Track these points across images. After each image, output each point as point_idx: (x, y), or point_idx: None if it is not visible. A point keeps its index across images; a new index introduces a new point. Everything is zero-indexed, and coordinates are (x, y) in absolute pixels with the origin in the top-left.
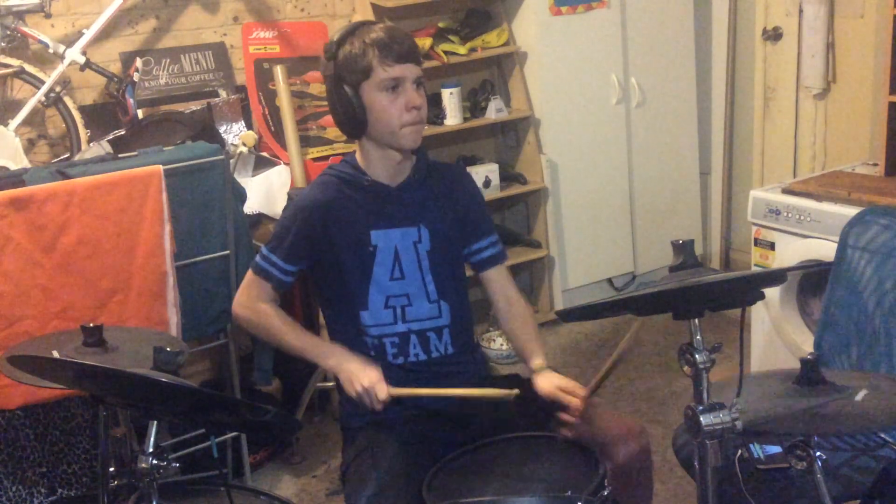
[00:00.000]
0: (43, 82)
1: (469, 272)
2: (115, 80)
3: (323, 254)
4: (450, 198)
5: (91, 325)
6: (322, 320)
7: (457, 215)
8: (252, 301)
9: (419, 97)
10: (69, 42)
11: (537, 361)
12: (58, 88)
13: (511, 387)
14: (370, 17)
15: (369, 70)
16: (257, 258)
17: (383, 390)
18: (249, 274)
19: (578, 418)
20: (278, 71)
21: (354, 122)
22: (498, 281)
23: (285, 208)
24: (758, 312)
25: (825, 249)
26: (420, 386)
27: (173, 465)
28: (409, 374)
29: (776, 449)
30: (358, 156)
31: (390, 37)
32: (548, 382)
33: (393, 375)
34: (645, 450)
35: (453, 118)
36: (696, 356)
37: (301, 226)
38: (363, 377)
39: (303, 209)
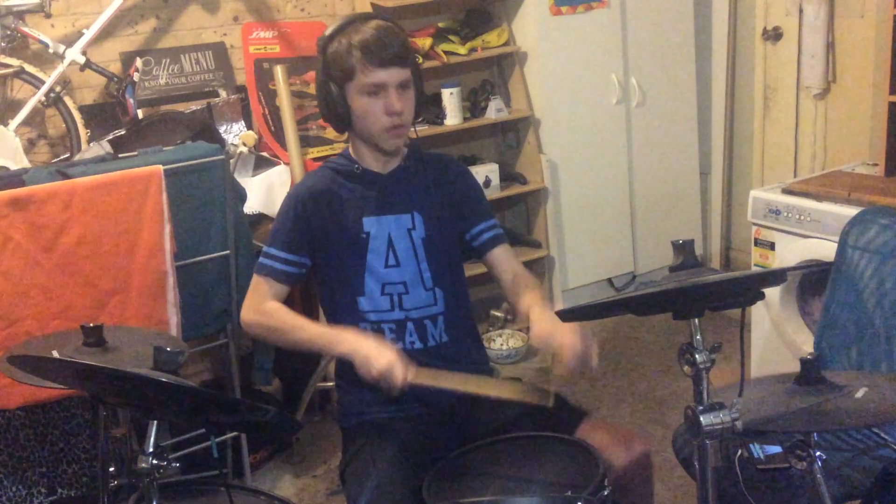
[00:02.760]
0: (43, 82)
1: (475, 271)
2: (115, 80)
3: (319, 242)
4: (443, 185)
5: (91, 325)
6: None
7: (452, 201)
8: (258, 303)
9: (399, 102)
10: (69, 42)
11: (534, 308)
12: (58, 88)
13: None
14: None
15: (352, 72)
16: (259, 259)
17: (399, 374)
18: (254, 277)
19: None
20: (278, 71)
21: (339, 118)
22: (502, 259)
23: (281, 205)
24: (758, 312)
25: (825, 249)
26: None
27: (173, 465)
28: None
29: (776, 449)
30: (350, 147)
31: (377, 39)
32: (542, 332)
33: None
34: (643, 458)
35: (453, 118)
36: (696, 356)
37: (296, 214)
38: (379, 359)
39: (296, 198)
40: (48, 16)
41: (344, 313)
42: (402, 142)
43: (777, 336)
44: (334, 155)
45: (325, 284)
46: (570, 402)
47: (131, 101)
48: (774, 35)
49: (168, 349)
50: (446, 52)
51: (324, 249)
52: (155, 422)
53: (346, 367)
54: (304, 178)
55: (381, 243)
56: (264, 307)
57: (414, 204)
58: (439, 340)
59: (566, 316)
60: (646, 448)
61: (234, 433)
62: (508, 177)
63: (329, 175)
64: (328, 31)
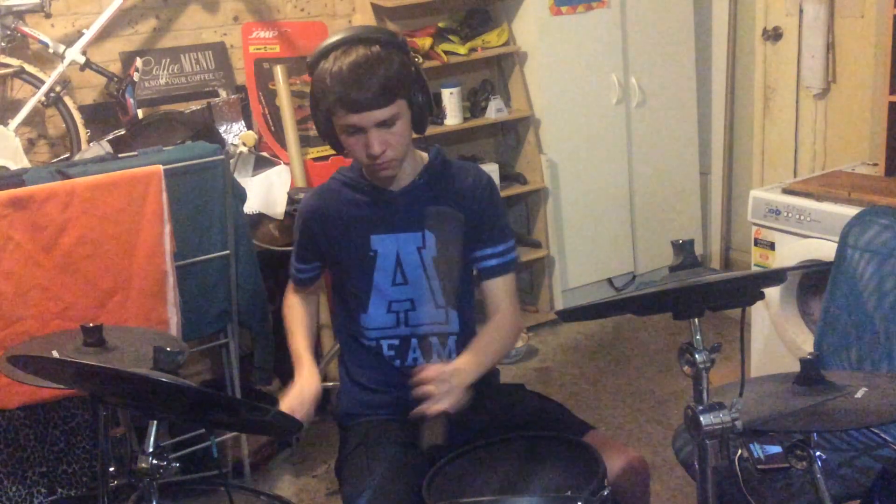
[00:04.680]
0: (43, 82)
1: None
2: (115, 79)
3: (326, 258)
4: (459, 200)
5: (91, 325)
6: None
7: (466, 217)
8: (287, 294)
9: (379, 144)
10: (69, 42)
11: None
12: (58, 88)
13: (514, 394)
14: (370, 17)
15: (332, 110)
16: None
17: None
18: None
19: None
20: (278, 71)
21: (332, 143)
22: (496, 293)
23: (296, 216)
24: (758, 312)
25: (825, 249)
26: None
27: (173, 465)
28: (407, 378)
29: (776, 449)
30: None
31: (351, 81)
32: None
33: (393, 377)
34: (639, 466)
35: (453, 118)
36: (696, 356)
37: (303, 231)
38: (284, 402)
39: (302, 215)
40: (48, 16)
41: (348, 325)
42: (392, 173)
43: (777, 336)
44: (335, 157)
45: (336, 293)
46: (575, 414)
47: (131, 101)
48: (774, 35)
49: (168, 349)
50: (446, 52)
51: (331, 264)
52: (155, 422)
53: (347, 367)
54: (311, 194)
55: (389, 262)
56: (288, 298)
57: (425, 222)
58: (446, 358)
59: (566, 316)
60: (641, 456)
61: (234, 433)
62: (508, 177)
63: (337, 190)
64: (312, 57)
